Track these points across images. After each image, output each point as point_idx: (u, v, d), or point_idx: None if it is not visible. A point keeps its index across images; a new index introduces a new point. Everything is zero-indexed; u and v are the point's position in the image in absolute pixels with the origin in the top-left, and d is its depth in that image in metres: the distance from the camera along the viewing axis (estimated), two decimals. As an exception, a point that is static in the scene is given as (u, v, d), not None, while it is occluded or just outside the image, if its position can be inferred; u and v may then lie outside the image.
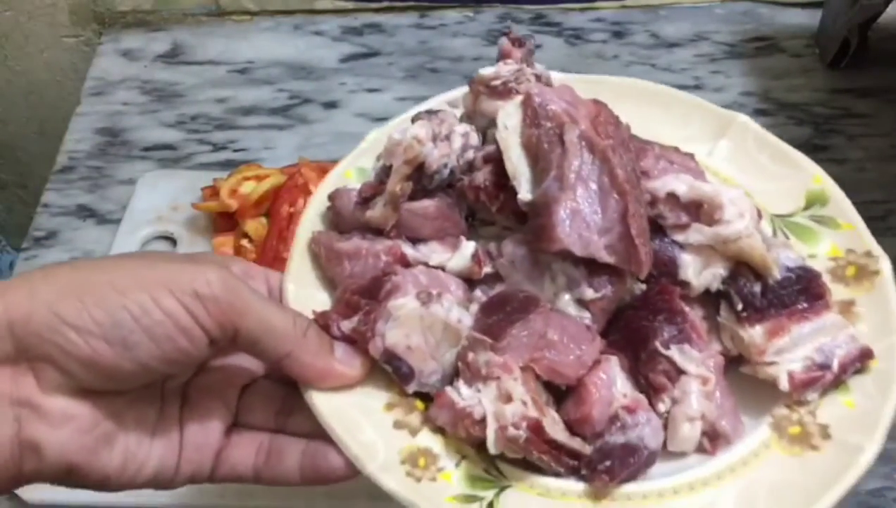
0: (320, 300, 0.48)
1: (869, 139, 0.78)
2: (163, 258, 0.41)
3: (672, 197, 0.47)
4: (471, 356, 0.43)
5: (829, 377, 0.44)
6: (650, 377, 0.45)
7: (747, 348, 0.45)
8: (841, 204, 0.51)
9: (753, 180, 0.52)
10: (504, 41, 0.53)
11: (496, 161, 0.47)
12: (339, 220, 0.50)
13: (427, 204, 0.48)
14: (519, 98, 0.48)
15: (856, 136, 0.79)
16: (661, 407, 0.44)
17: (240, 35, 0.92)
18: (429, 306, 0.44)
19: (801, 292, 0.46)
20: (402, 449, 0.43)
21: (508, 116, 0.47)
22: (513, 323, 0.43)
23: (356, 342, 0.44)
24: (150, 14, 0.93)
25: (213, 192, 0.73)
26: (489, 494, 0.42)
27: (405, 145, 0.47)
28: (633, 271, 0.44)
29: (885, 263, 0.48)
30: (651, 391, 0.45)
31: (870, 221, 0.70)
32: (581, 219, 0.43)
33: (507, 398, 0.42)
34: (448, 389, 0.43)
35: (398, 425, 0.44)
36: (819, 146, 0.77)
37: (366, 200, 0.49)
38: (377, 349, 0.43)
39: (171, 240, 0.74)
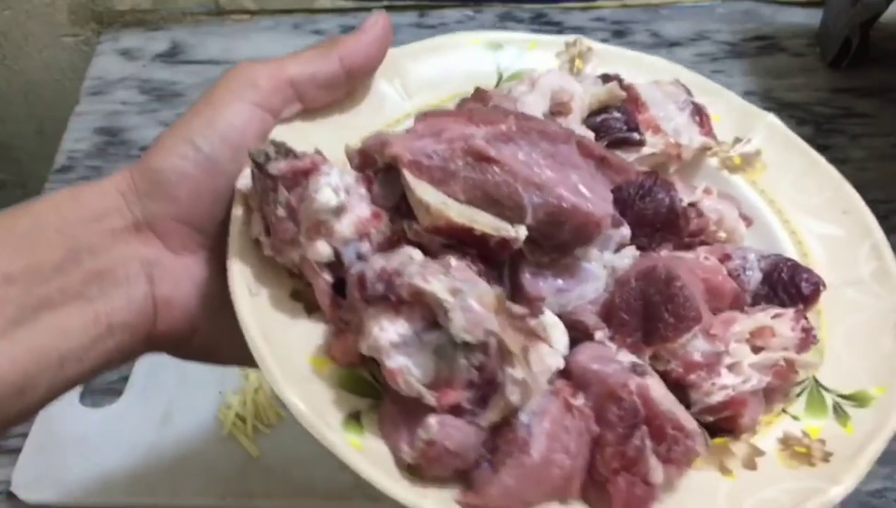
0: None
1: (870, 139, 0.78)
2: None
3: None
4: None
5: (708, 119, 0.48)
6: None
7: (665, 153, 0.46)
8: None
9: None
10: (283, 165, 0.39)
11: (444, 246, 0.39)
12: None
13: None
14: (406, 173, 0.39)
15: (857, 135, 0.78)
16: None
17: (239, 34, 0.91)
18: None
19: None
20: None
21: (424, 193, 0.39)
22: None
23: None
24: (149, 13, 0.93)
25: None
26: None
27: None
28: (624, 177, 0.42)
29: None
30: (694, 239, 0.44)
31: (872, 220, 0.69)
32: (583, 189, 0.40)
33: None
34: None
35: None
36: (820, 146, 0.76)
37: (482, 398, 0.37)
38: None
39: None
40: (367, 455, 0.35)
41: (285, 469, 0.59)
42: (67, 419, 0.62)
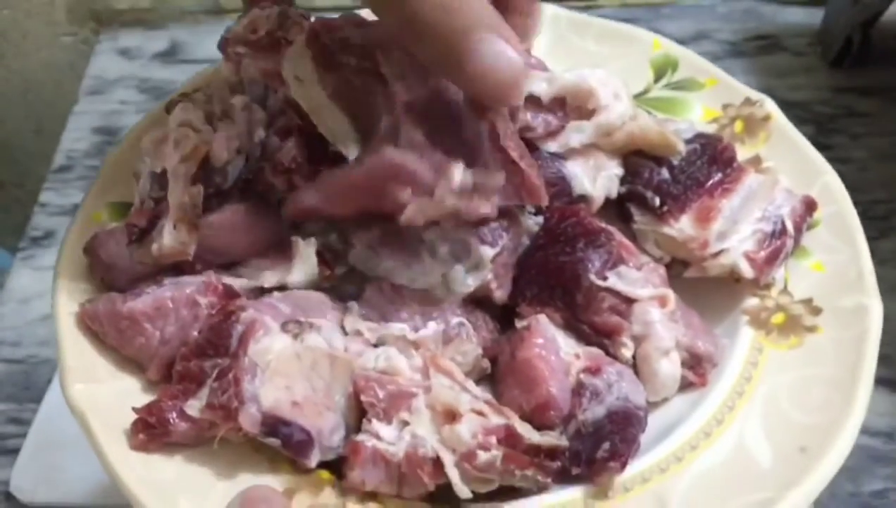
0: (131, 392, 0.34)
1: (872, 138, 0.78)
2: None
3: (533, 100, 0.38)
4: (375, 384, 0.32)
5: (790, 243, 0.38)
6: (597, 321, 0.35)
7: (684, 246, 0.38)
8: (692, 61, 0.45)
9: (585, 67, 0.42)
10: None
11: (299, 130, 0.35)
12: (111, 276, 0.36)
13: (233, 210, 0.35)
14: (301, 40, 0.36)
15: (859, 135, 0.78)
16: (626, 353, 0.35)
17: (238, 33, 0.91)
18: (304, 339, 0.33)
19: (711, 161, 0.39)
20: None
21: (297, 66, 0.35)
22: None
23: (216, 426, 0.32)
24: (147, 12, 0.93)
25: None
26: None
27: (176, 137, 0.35)
28: (532, 201, 0.34)
29: (770, 104, 0.43)
30: (603, 338, 0.36)
31: (873, 220, 0.70)
32: (448, 163, 0.33)
33: (452, 416, 0.31)
34: (362, 437, 0.31)
35: None
36: (822, 145, 0.75)
37: (143, 232, 0.35)
38: (253, 419, 0.31)
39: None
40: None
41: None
42: (66, 420, 0.61)
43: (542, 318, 0.35)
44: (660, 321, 0.35)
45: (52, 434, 0.61)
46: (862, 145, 0.77)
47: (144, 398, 0.34)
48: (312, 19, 0.38)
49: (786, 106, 0.81)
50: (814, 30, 0.87)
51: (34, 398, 0.63)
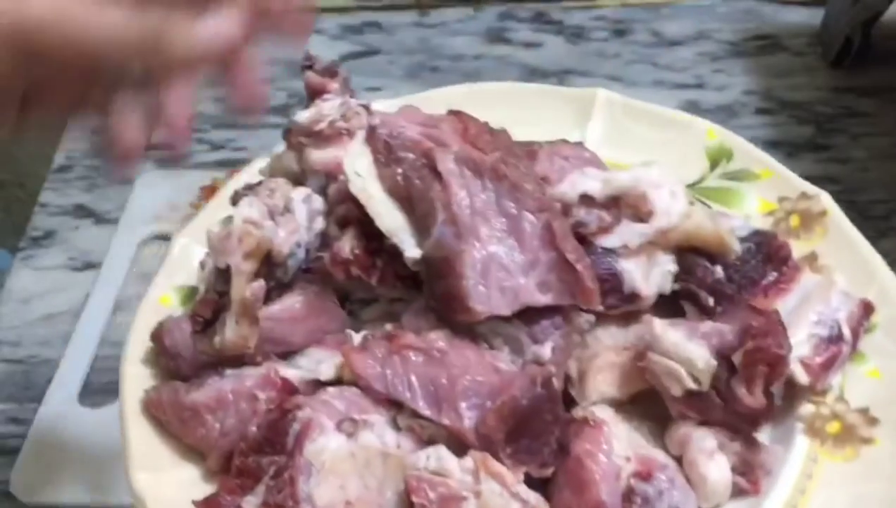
0: (191, 482, 0.36)
1: (872, 138, 0.78)
2: None
3: (587, 198, 0.38)
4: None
5: (846, 349, 0.37)
6: None
7: None
8: (748, 152, 0.45)
9: (640, 155, 0.43)
10: (310, 75, 0.43)
11: (358, 221, 0.37)
12: (176, 364, 0.38)
13: (292, 302, 0.37)
14: (360, 135, 0.38)
15: (858, 135, 0.78)
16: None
17: (239, 33, 0.91)
18: (358, 438, 0.34)
19: (766, 260, 0.39)
20: None
21: (357, 160, 0.37)
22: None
23: None
24: (148, 12, 0.93)
25: (211, 191, 0.72)
26: None
27: (239, 234, 0.36)
28: (585, 304, 0.35)
29: (826, 199, 0.42)
30: None
31: (872, 220, 0.70)
32: (497, 266, 0.34)
33: None
34: None
35: None
36: (821, 145, 0.77)
37: (207, 323, 0.36)
38: None
39: (170, 240, 0.73)
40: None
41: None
42: (66, 420, 0.62)
43: (605, 413, 0.36)
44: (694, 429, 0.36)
45: (51, 434, 0.61)
46: (862, 145, 0.77)
47: (204, 487, 0.35)
48: (372, 107, 0.41)
49: (786, 106, 0.82)
50: (814, 30, 0.87)
51: (34, 398, 0.63)
